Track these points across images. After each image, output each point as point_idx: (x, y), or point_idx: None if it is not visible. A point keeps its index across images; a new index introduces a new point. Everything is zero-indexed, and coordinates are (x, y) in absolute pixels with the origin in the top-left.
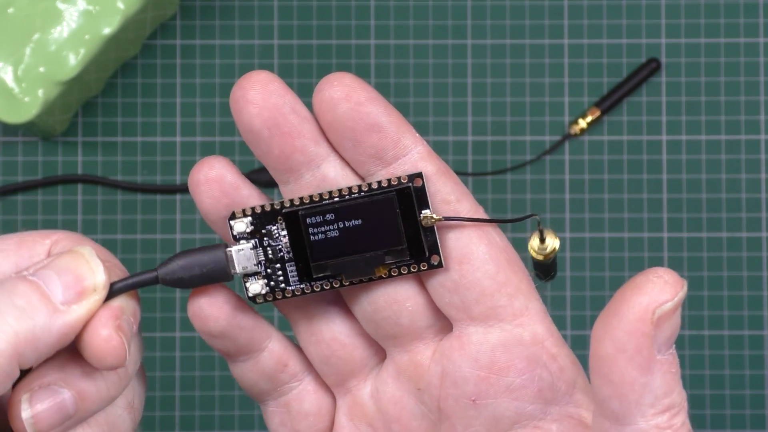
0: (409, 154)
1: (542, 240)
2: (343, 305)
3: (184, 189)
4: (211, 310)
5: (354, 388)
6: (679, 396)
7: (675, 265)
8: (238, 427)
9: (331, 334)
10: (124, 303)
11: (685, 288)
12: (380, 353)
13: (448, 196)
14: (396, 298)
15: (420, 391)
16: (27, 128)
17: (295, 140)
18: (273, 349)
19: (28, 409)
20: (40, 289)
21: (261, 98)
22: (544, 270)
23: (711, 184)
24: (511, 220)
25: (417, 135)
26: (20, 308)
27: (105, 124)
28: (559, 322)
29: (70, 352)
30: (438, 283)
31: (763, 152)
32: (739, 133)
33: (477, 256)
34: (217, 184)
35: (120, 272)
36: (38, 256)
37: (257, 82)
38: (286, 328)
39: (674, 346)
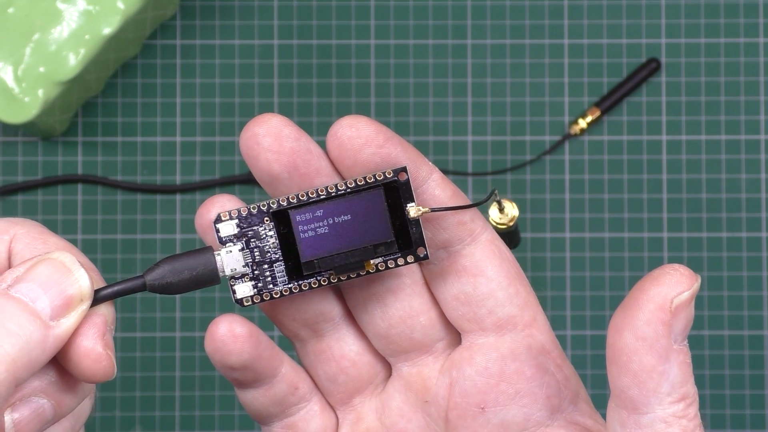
0: (427, 183)
1: (501, 210)
2: (352, 322)
3: (183, 189)
4: (235, 345)
5: (359, 405)
6: (692, 388)
7: None
8: (238, 427)
9: (341, 351)
10: (106, 311)
11: (699, 281)
12: (386, 369)
13: (463, 217)
14: (410, 313)
15: (427, 404)
16: (27, 128)
17: (314, 179)
18: (285, 373)
19: (11, 422)
20: (29, 307)
21: (277, 145)
22: (508, 238)
23: (711, 184)
24: (479, 203)
25: (430, 163)
26: (13, 333)
27: (105, 124)
28: (559, 322)
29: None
30: (451, 296)
31: (763, 152)
32: (739, 133)
33: (491, 269)
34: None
35: (92, 272)
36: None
37: (272, 128)
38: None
39: (687, 339)
